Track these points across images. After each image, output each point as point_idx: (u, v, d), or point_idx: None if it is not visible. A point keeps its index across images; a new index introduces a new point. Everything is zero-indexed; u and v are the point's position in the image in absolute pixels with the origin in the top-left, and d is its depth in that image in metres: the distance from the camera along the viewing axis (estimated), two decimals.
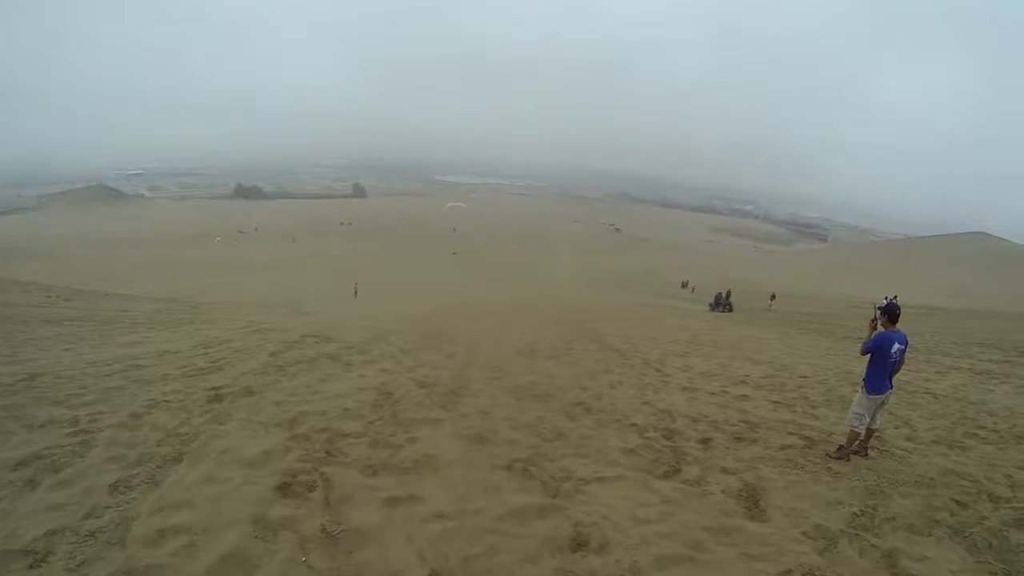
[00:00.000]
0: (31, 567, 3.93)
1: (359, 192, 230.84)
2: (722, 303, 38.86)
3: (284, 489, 5.18)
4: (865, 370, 6.89)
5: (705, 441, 7.43)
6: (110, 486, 5.05)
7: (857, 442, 6.97)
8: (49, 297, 23.22)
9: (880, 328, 6.86)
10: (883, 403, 6.85)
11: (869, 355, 6.81)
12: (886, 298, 6.98)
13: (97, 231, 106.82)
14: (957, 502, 5.76)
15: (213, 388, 8.31)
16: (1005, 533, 5.15)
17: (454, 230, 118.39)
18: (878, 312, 6.89)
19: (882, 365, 6.69)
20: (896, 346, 6.62)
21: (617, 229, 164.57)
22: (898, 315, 6.77)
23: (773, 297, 41.38)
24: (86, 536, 4.27)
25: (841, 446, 7.02)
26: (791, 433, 7.89)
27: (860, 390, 6.92)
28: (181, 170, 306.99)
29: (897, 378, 7.01)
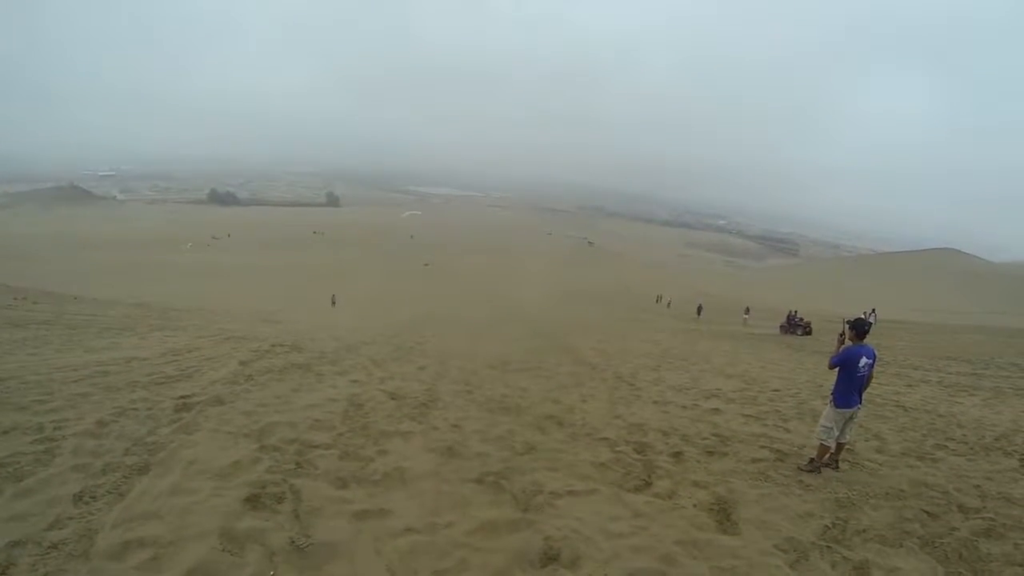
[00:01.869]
0: None
1: (332, 201, 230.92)
2: (798, 324, 32.50)
3: (253, 501, 5.11)
4: (834, 384, 6.98)
5: (676, 455, 7.46)
6: (74, 496, 4.95)
7: (828, 455, 7.05)
8: (16, 299, 22.88)
9: (848, 343, 6.95)
10: (852, 417, 6.94)
11: (837, 369, 6.90)
12: (864, 312, 7.11)
13: (68, 233, 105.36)
14: (927, 513, 5.83)
15: (182, 397, 8.22)
16: (975, 543, 5.22)
17: (411, 237, 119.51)
18: (847, 327, 6.98)
19: (850, 379, 6.78)
20: (864, 360, 6.70)
21: (590, 242, 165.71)
22: (867, 330, 6.87)
23: (748, 311, 41.61)
24: (49, 548, 4.17)
25: (812, 459, 7.09)
26: (762, 446, 7.97)
27: (829, 404, 7.00)
28: (154, 173, 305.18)
29: (867, 391, 7.10)
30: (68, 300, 26.06)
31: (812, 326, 31.80)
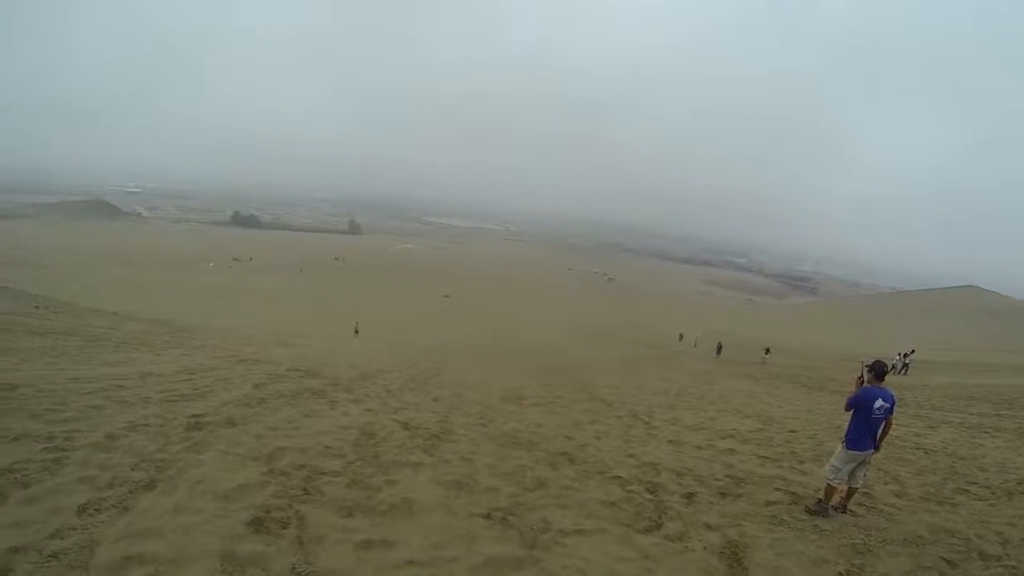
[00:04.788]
0: None
1: (354, 228, 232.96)
2: None
3: (257, 524, 5.07)
4: (847, 425, 6.85)
5: (689, 496, 7.31)
6: (79, 507, 4.95)
7: (839, 499, 6.92)
8: (37, 308, 23.13)
9: (866, 384, 6.80)
10: (864, 461, 6.76)
11: (852, 410, 6.77)
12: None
13: (92, 246, 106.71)
14: (947, 561, 5.65)
15: (194, 416, 8.21)
16: None
17: (403, 266, 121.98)
18: (865, 368, 6.85)
19: (864, 421, 6.62)
20: (879, 402, 6.53)
21: (610, 279, 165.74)
22: (885, 372, 6.72)
23: (767, 351, 40.78)
24: (49, 557, 4.16)
25: (820, 500, 6.93)
26: (777, 489, 7.78)
27: (841, 444, 6.84)
28: (179, 192, 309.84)
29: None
30: (88, 312, 26.28)
31: None
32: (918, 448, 11.00)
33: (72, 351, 13.24)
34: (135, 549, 4.39)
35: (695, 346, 52.31)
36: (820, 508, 6.80)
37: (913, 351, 34.76)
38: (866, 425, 6.62)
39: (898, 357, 33.39)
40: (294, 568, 4.49)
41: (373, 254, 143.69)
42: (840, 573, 5.35)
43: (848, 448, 6.69)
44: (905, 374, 31.62)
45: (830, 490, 6.80)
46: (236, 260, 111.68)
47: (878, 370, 6.71)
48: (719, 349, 44.69)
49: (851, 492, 6.93)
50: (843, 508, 6.91)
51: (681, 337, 58.59)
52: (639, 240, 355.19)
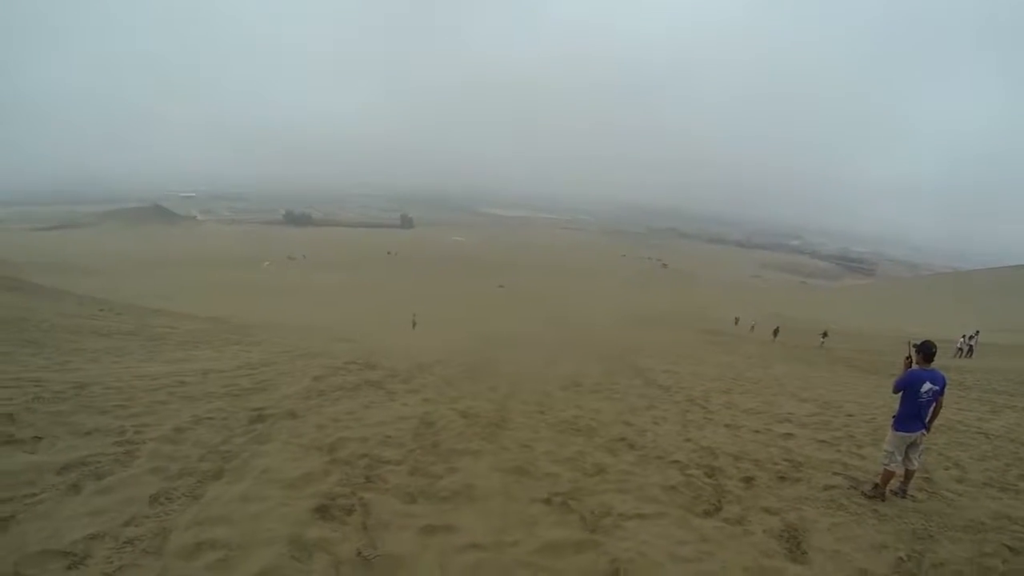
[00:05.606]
0: (69, 568, 3.98)
1: (407, 223, 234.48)
2: None
3: (322, 511, 5.17)
4: (897, 407, 6.72)
5: (747, 480, 7.23)
6: (151, 497, 5.09)
7: (898, 483, 6.81)
8: (101, 310, 23.78)
9: (915, 366, 6.65)
10: (915, 443, 6.62)
11: (901, 392, 6.64)
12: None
13: (150, 250, 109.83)
14: (1010, 548, 5.49)
15: (256, 408, 8.39)
16: None
17: (457, 258, 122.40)
18: (913, 349, 6.68)
19: (912, 403, 6.49)
20: (927, 385, 6.38)
21: (664, 264, 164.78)
22: (933, 353, 6.52)
23: (825, 334, 39.91)
24: (124, 543, 4.30)
25: (876, 484, 6.81)
26: (836, 473, 7.64)
27: (890, 427, 6.74)
28: (231, 194, 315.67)
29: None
30: (150, 313, 26.97)
31: None
32: (980, 433, 10.63)
33: (136, 350, 13.61)
34: (206, 535, 4.52)
35: (752, 330, 51.34)
36: (877, 493, 6.68)
37: (978, 332, 33.61)
38: (914, 408, 6.49)
39: (962, 339, 32.21)
40: (360, 552, 4.57)
41: (427, 247, 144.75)
42: (900, 558, 5.23)
43: (896, 430, 6.59)
44: (970, 357, 30.61)
45: (887, 475, 6.67)
46: (290, 258, 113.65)
47: (926, 351, 6.52)
48: (776, 333, 43.96)
49: (909, 474, 6.80)
50: (903, 492, 6.78)
51: (737, 321, 57.94)
52: (692, 225, 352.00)
